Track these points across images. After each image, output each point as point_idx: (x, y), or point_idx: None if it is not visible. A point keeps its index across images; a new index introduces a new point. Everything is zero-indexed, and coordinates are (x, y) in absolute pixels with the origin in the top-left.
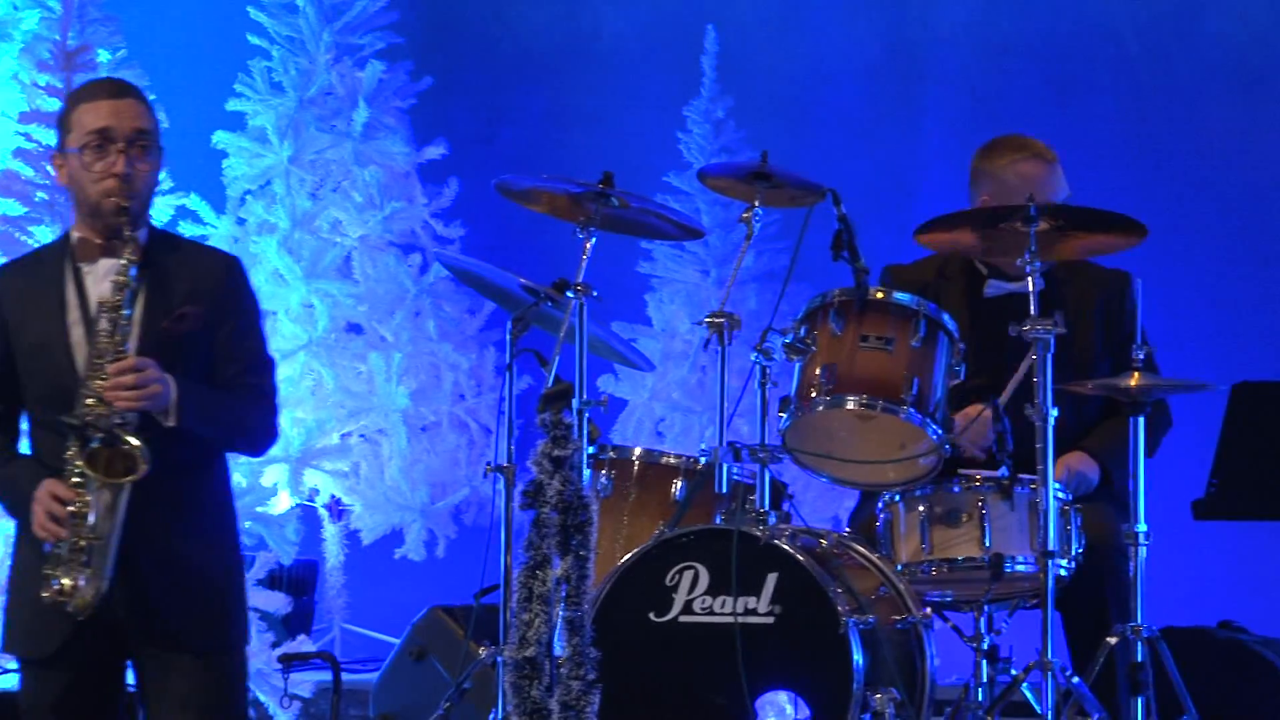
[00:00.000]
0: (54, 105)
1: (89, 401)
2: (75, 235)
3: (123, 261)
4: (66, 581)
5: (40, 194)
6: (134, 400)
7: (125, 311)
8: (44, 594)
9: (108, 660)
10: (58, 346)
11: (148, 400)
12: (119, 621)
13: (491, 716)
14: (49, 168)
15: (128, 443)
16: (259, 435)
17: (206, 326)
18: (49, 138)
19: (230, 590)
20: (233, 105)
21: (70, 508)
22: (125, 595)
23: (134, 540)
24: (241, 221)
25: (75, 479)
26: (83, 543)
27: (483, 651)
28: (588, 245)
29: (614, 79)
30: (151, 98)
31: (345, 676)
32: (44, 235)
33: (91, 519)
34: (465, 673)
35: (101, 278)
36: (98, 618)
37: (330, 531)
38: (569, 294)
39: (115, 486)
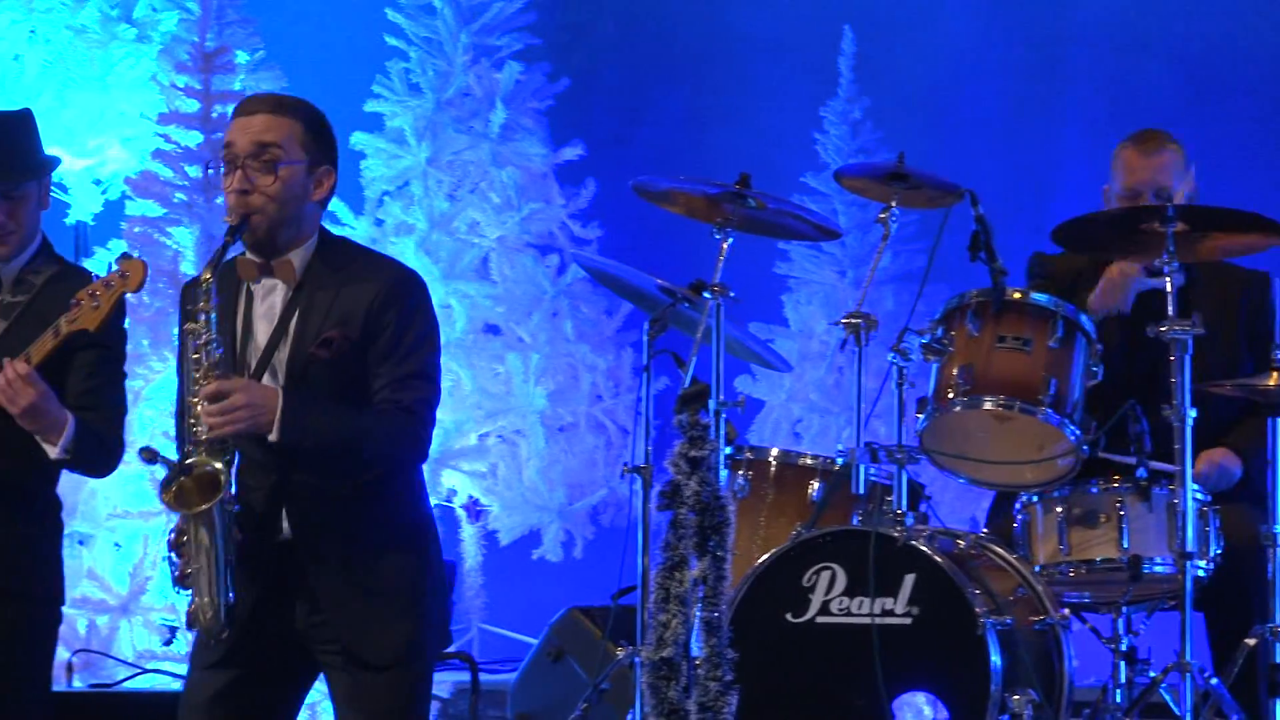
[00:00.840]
0: (192, 106)
1: (196, 430)
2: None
3: (271, 283)
4: (193, 606)
5: (179, 195)
6: (219, 424)
7: (211, 333)
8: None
9: (281, 668)
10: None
11: (233, 427)
12: (299, 634)
13: (629, 717)
14: (187, 169)
15: (207, 469)
16: (393, 451)
17: (357, 348)
18: (187, 139)
19: (414, 603)
20: (370, 106)
21: (183, 538)
22: (305, 609)
23: (309, 554)
24: (379, 223)
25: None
26: (189, 570)
27: (620, 652)
28: (724, 246)
29: (751, 80)
30: None
31: (483, 677)
32: (182, 236)
33: (192, 549)
34: (603, 673)
35: (263, 298)
36: (266, 628)
37: (468, 532)
38: (706, 295)
39: (200, 515)
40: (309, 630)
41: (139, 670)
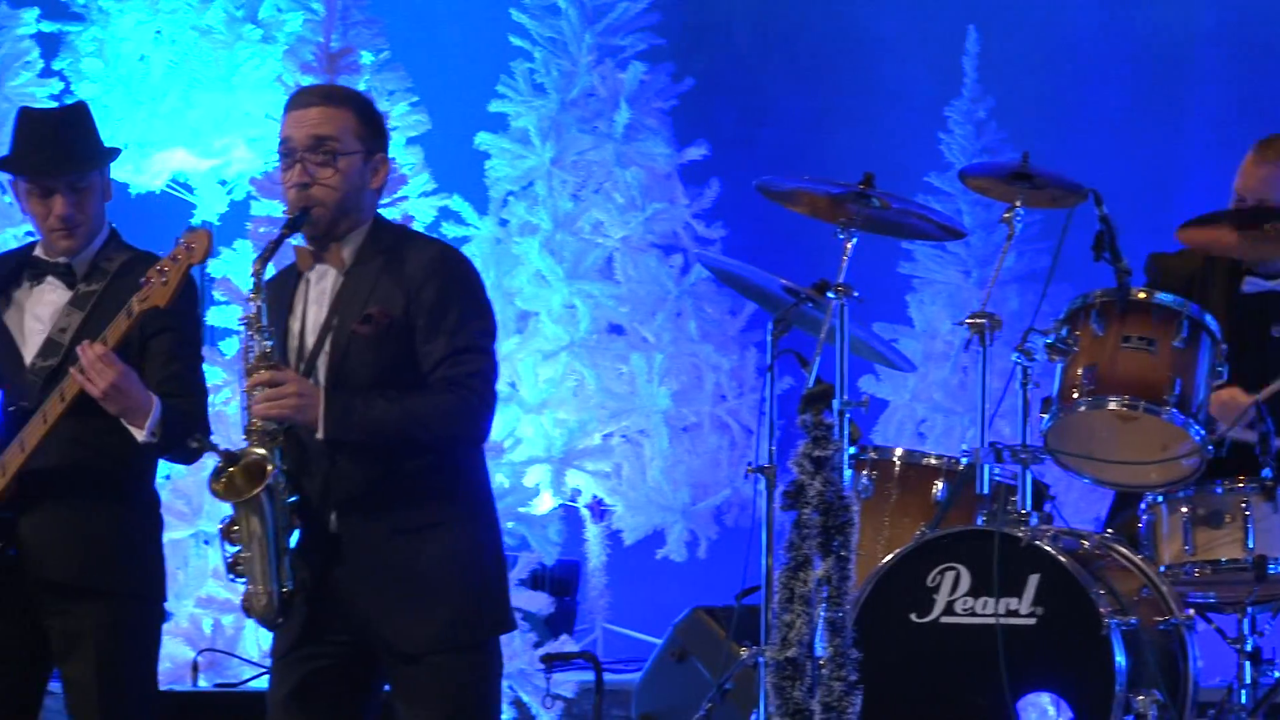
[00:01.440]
0: None
1: (249, 418)
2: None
3: (324, 268)
4: (247, 593)
5: None
6: (264, 407)
7: (262, 322)
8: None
9: (348, 662)
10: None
11: (280, 411)
12: (355, 628)
13: (753, 717)
14: None
15: (254, 457)
16: (453, 430)
17: (400, 325)
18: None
19: (454, 588)
20: (495, 106)
21: (235, 527)
22: (355, 602)
23: (355, 545)
24: (504, 223)
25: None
26: (242, 558)
27: (744, 652)
28: (848, 246)
29: (875, 79)
30: (414, 99)
31: (607, 676)
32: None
33: (243, 536)
34: (727, 673)
35: (315, 284)
36: (330, 624)
37: (592, 532)
38: (830, 295)
39: (247, 500)
40: (361, 623)
41: (264, 670)
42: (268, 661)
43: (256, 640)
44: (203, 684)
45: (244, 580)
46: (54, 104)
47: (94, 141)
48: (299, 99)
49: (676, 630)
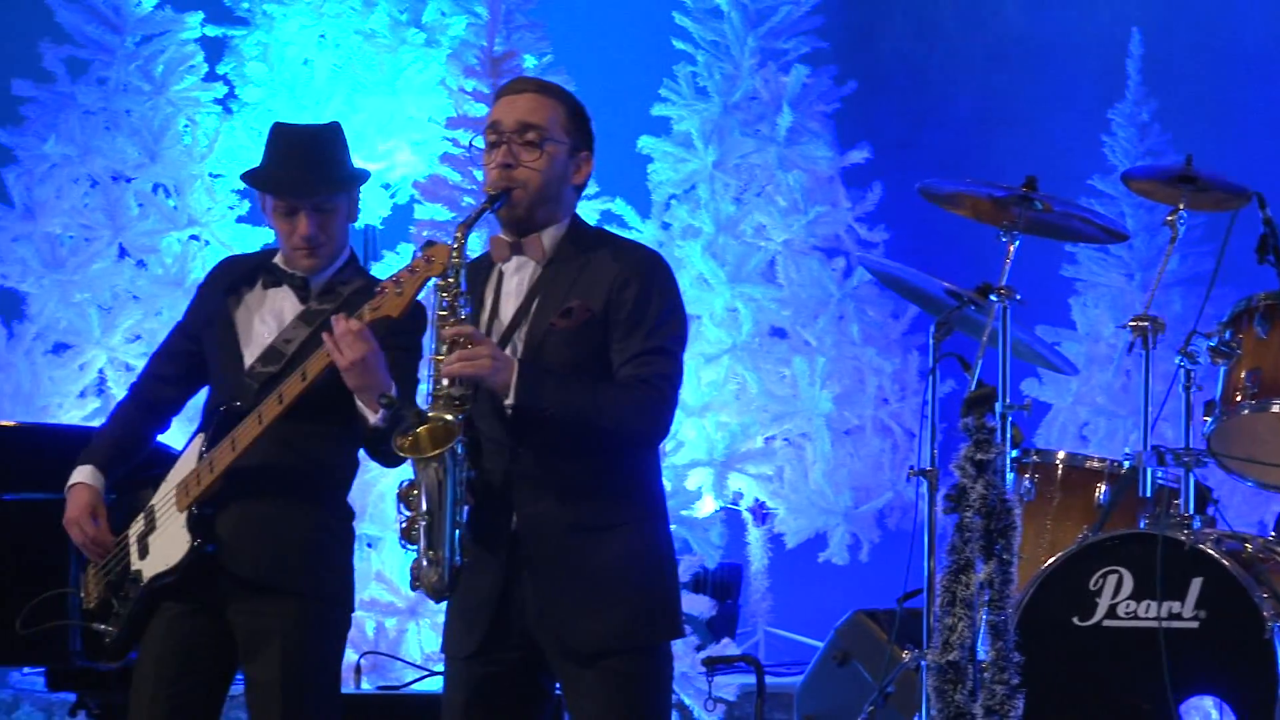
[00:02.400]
0: (480, 110)
1: (435, 388)
2: (492, 236)
3: (520, 260)
4: (419, 565)
5: (467, 199)
6: (459, 367)
7: (460, 290)
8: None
9: (528, 663)
10: None
11: (474, 368)
12: (531, 627)
13: None
14: (475, 173)
15: (441, 419)
16: (633, 425)
17: (597, 322)
18: (475, 142)
19: (628, 590)
20: (658, 110)
21: (413, 490)
22: (531, 600)
23: (534, 542)
24: (666, 226)
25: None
26: (419, 523)
27: (906, 656)
28: (1011, 249)
29: (1038, 82)
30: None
31: (769, 680)
32: (470, 240)
33: (423, 500)
34: (888, 677)
35: (510, 275)
36: (512, 621)
37: (754, 535)
38: (992, 298)
39: (431, 460)
40: (536, 622)
41: (426, 673)
42: (430, 665)
43: (419, 643)
44: (365, 686)
45: (414, 547)
46: (218, 109)
47: (343, 163)
48: (512, 85)
49: (838, 633)
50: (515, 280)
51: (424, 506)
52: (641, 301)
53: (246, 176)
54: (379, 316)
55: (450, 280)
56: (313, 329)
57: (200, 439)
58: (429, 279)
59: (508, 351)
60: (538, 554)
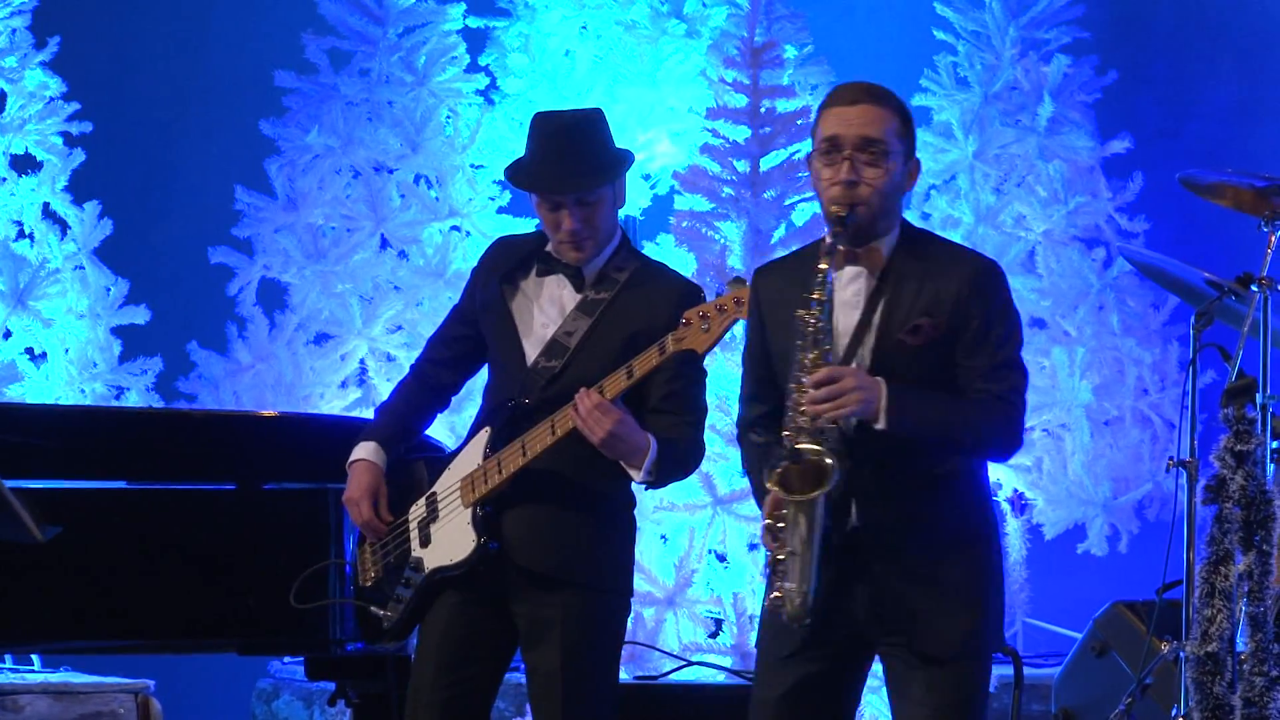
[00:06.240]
0: (740, 101)
1: (796, 417)
2: (827, 241)
3: (853, 270)
4: (778, 593)
5: (726, 189)
6: (829, 411)
7: (822, 322)
8: (768, 602)
9: (845, 658)
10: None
11: (845, 410)
12: (859, 624)
13: (1173, 713)
14: (735, 163)
15: (815, 458)
16: (992, 440)
17: (945, 338)
18: (735, 133)
19: (976, 598)
20: (918, 100)
21: (779, 524)
22: (866, 600)
23: (874, 544)
24: (926, 216)
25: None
26: (781, 556)
27: (1165, 647)
28: (1273, 238)
29: None
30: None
31: (1027, 671)
32: (729, 231)
33: (789, 535)
34: (1147, 668)
35: (845, 285)
36: (832, 618)
37: (1013, 526)
38: (1253, 288)
39: (804, 503)
40: (869, 621)
41: (684, 663)
42: (688, 654)
43: (677, 633)
44: (624, 676)
45: (783, 580)
46: (480, 100)
47: (605, 152)
48: (844, 94)
49: (1097, 624)
50: (851, 290)
51: (794, 541)
52: (989, 318)
53: (509, 172)
54: (683, 349)
55: (814, 311)
56: (594, 320)
57: (486, 433)
58: (737, 320)
59: (857, 364)
60: (880, 557)
